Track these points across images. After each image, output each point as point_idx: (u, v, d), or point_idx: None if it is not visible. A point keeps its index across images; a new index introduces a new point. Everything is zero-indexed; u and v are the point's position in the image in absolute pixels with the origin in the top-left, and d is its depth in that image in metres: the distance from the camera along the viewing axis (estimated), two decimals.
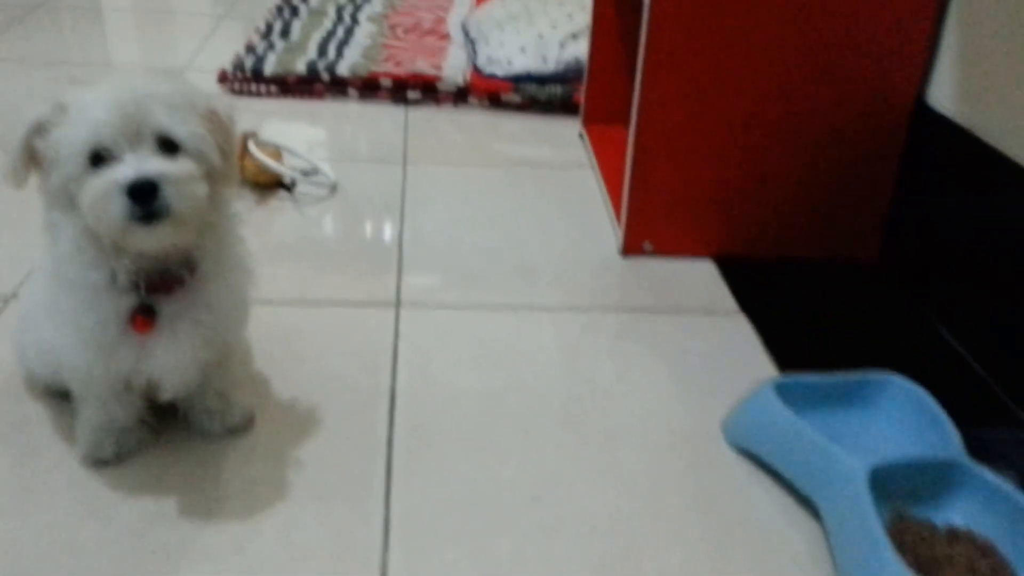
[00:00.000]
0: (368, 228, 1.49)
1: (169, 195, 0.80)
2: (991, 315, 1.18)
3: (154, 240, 0.83)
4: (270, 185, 1.59)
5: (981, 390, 1.16)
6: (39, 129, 0.82)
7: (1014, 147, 1.13)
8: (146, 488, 0.94)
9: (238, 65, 2.05)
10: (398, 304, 1.27)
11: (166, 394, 0.95)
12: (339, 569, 0.86)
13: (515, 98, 1.99)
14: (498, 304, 1.29)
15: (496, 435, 1.04)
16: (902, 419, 1.01)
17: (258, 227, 1.47)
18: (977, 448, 0.93)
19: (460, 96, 2.02)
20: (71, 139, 0.80)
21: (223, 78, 2.04)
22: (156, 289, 0.87)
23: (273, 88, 2.02)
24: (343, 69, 2.04)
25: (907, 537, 0.86)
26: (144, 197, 0.79)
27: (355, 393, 1.09)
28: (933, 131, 1.30)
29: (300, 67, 2.05)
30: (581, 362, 1.17)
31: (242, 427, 1.03)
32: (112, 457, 0.98)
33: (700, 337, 1.23)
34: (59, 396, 1.03)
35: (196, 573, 0.85)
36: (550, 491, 0.96)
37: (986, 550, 0.86)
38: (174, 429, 1.02)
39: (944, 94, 1.29)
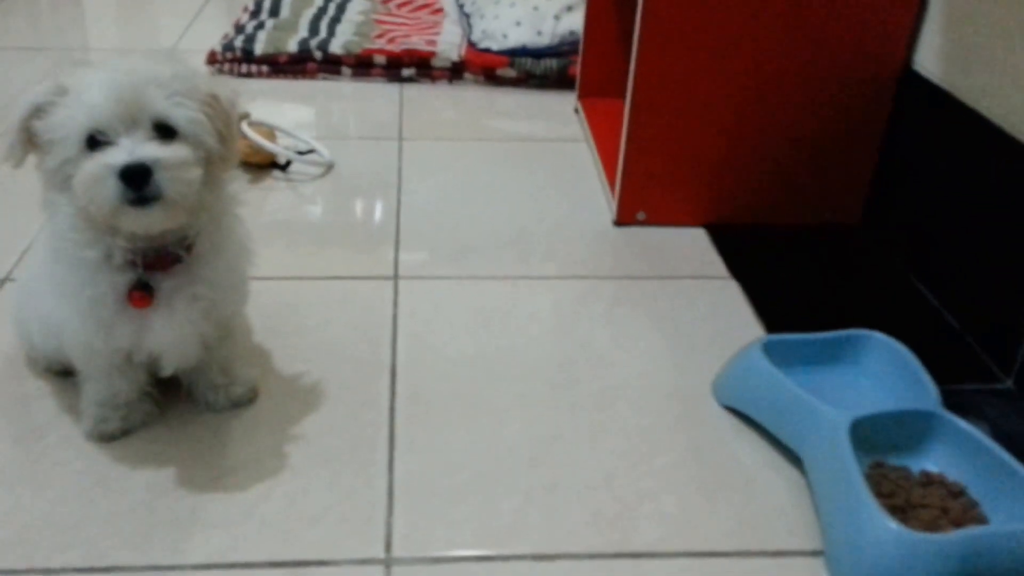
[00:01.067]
0: (364, 204, 1.51)
1: (162, 180, 0.81)
2: (968, 274, 1.21)
3: (146, 222, 0.83)
4: (264, 165, 1.60)
5: (958, 345, 1.20)
6: (37, 111, 0.82)
7: (995, 110, 1.16)
8: (153, 461, 0.96)
9: (227, 45, 2.03)
10: (396, 277, 1.30)
11: (167, 368, 0.96)
12: (345, 531, 0.88)
13: (511, 72, 2.00)
14: (495, 275, 1.32)
15: (495, 400, 1.07)
16: (882, 374, 1.04)
17: (253, 206, 1.48)
18: (953, 400, 0.97)
19: (455, 72, 2.01)
20: (68, 122, 0.81)
21: (212, 59, 2.02)
22: (153, 267, 0.88)
23: (264, 68, 2.01)
24: (335, 47, 2.02)
25: (884, 484, 0.90)
26: (137, 181, 0.80)
27: (356, 363, 1.12)
28: (919, 95, 1.33)
29: (291, 46, 2.03)
30: (576, 328, 1.20)
31: (246, 399, 1.05)
32: (118, 431, 0.99)
33: (692, 302, 1.27)
34: (61, 373, 1.06)
35: (207, 540, 0.87)
36: (548, 451, 1.00)
37: (957, 492, 0.90)
38: (179, 403, 1.04)
39: (930, 59, 1.31)
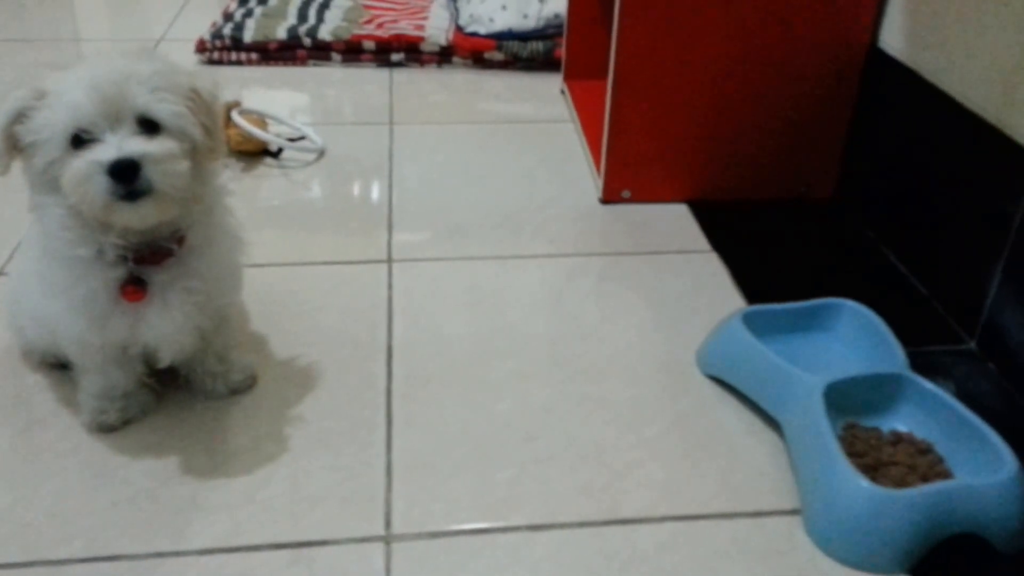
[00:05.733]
0: (357, 189, 1.53)
1: (150, 173, 0.81)
2: (935, 242, 1.25)
3: (138, 217, 0.83)
4: (256, 153, 1.61)
5: (925, 310, 1.24)
6: (19, 116, 0.82)
7: (954, 86, 1.20)
8: (154, 450, 0.97)
9: (216, 34, 2.03)
10: (390, 260, 1.32)
11: (164, 360, 0.96)
12: (346, 511, 0.91)
13: (498, 56, 2.02)
14: (486, 255, 1.34)
15: (489, 377, 1.10)
16: (855, 340, 1.09)
17: (246, 194, 1.50)
18: (921, 361, 1.02)
19: (444, 56, 2.03)
20: (52, 123, 0.81)
21: (201, 47, 2.02)
22: (145, 261, 0.89)
23: (254, 56, 2.02)
24: (324, 33, 2.04)
25: (856, 444, 0.95)
26: (125, 176, 0.80)
27: (352, 346, 1.14)
28: (884, 73, 1.36)
29: (280, 33, 2.04)
30: (566, 304, 1.24)
31: (245, 386, 1.06)
32: (117, 422, 0.99)
33: (676, 275, 1.30)
34: (57, 367, 1.06)
35: (209, 526, 0.89)
36: (541, 425, 1.03)
37: (924, 449, 0.95)
38: (177, 391, 1.05)
39: (894, 37, 1.34)
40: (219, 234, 0.94)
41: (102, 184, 0.81)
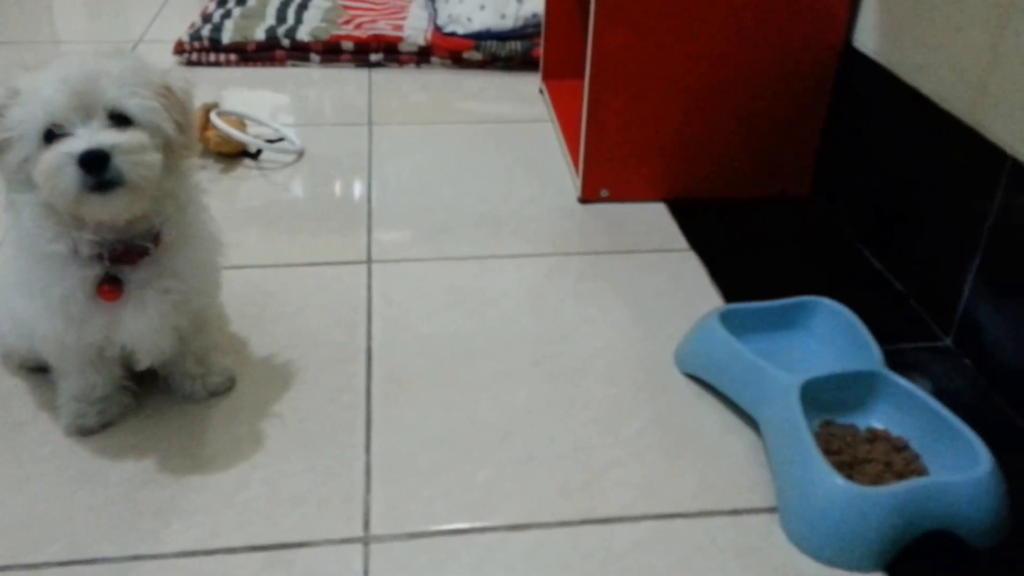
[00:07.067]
0: (336, 189, 1.53)
1: (121, 164, 0.81)
2: (910, 240, 1.26)
3: (109, 209, 0.84)
4: (235, 155, 1.60)
5: (901, 307, 1.25)
6: None
7: (927, 85, 1.21)
8: (133, 453, 0.97)
9: (195, 35, 2.03)
10: (369, 260, 1.32)
11: (143, 362, 0.96)
12: (325, 512, 0.91)
13: (476, 56, 2.02)
14: (465, 254, 1.34)
15: (468, 377, 1.10)
16: (831, 338, 1.09)
17: (225, 195, 1.50)
18: (897, 358, 1.03)
19: (422, 56, 2.03)
20: (25, 119, 0.82)
21: (180, 49, 2.02)
22: (120, 260, 0.89)
23: (232, 57, 2.02)
24: (303, 34, 2.03)
25: (833, 441, 0.95)
26: (96, 167, 0.81)
27: (332, 347, 1.14)
28: (859, 72, 1.37)
29: (259, 34, 2.04)
30: (546, 304, 1.24)
31: (224, 389, 1.06)
32: (96, 425, 0.99)
33: (654, 274, 1.31)
34: (37, 370, 1.06)
35: (189, 528, 0.89)
36: (520, 424, 1.03)
37: (900, 446, 0.95)
38: (157, 394, 1.05)
39: (868, 36, 1.35)
40: (195, 233, 0.95)
41: (73, 175, 0.81)
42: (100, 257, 0.88)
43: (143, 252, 0.90)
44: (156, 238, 0.91)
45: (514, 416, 1.04)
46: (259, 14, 2.16)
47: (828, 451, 0.93)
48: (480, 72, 2.03)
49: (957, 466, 0.89)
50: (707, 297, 1.26)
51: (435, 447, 1.00)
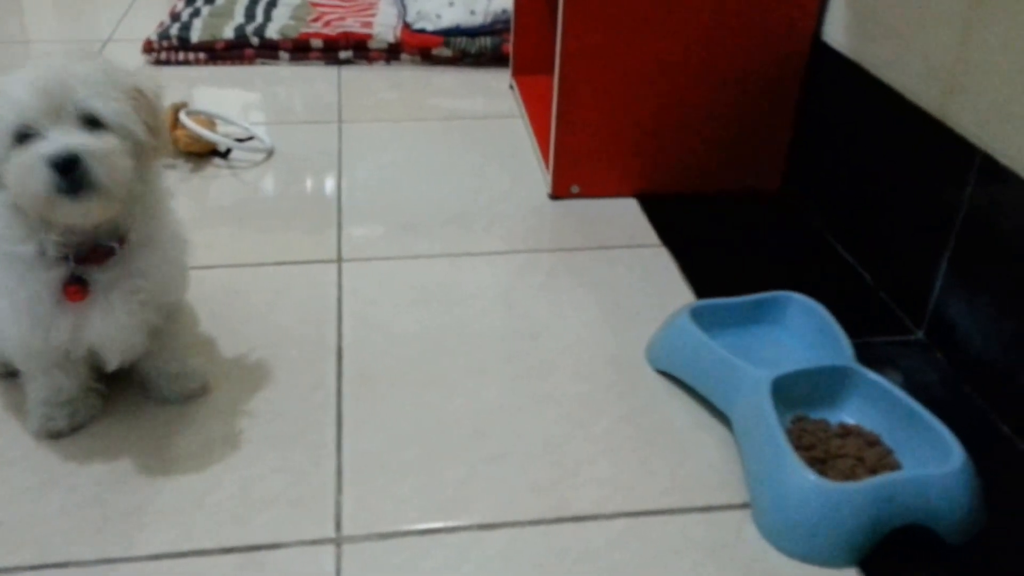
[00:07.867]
0: (306, 188, 1.52)
1: (92, 167, 0.81)
2: (880, 233, 1.27)
3: (80, 213, 0.84)
4: (205, 154, 1.60)
5: (872, 300, 1.26)
6: None
7: (896, 79, 1.21)
8: (103, 455, 0.97)
9: (163, 34, 2.02)
10: (340, 259, 1.32)
11: (111, 363, 0.96)
12: (296, 513, 0.90)
13: (446, 52, 2.02)
14: (435, 252, 1.34)
15: (439, 375, 1.10)
16: (802, 332, 1.10)
17: (195, 194, 1.49)
18: (869, 351, 1.03)
19: (392, 53, 2.03)
20: None
21: (148, 48, 2.01)
22: (86, 260, 0.89)
23: (201, 55, 2.01)
24: (272, 32, 2.03)
25: (805, 437, 0.95)
26: (68, 169, 0.81)
27: (303, 346, 1.13)
28: (829, 66, 1.38)
29: (228, 32, 2.03)
30: (517, 300, 1.24)
31: (199, 393, 1.05)
32: (66, 428, 0.99)
33: (625, 270, 1.31)
34: (5, 375, 1.05)
35: (160, 531, 0.88)
36: (491, 423, 1.03)
37: (872, 441, 0.95)
38: (126, 396, 1.05)
39: (837, 31, 1.36)
40: (161, 233, 0.95)
41: (44, 177, 0.81)
42: (66, 258, 0.88)
43: (109, 252, 0.90)
44: (122, 238, 0.91)
45: (485, 414, 1.04)
46: (228, 12, 2.16)
47: (800, 446, 0.93)
48: (450, 69, 2.03)
49: (930, 460, 0.90)
50: (678, 292, 1.26)
51: (406, 446, 0.99)
